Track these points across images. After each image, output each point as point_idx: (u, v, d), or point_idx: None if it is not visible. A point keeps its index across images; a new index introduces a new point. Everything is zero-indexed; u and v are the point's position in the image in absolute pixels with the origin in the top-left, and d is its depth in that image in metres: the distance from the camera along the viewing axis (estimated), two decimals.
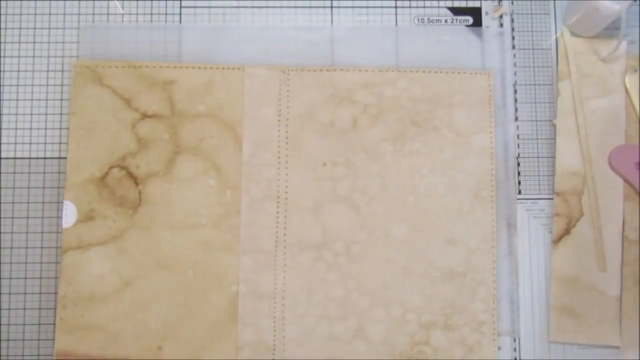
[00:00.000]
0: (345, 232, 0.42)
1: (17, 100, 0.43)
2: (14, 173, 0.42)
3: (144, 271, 0.41)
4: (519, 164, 0.44)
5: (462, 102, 0.43)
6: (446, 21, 0.45)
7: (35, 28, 0.44)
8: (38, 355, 0.41)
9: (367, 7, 0.45)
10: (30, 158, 0.43)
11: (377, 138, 0.43)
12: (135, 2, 0.45)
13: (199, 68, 0.43)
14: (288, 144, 0.43)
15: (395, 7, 0.46)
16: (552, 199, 0.44)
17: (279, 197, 0.42)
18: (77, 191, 0.41)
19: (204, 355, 0.41)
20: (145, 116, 0.42)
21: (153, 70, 0.43)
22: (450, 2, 0.46)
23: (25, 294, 0.42)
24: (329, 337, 0.41)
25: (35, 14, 0.44)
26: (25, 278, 0.42)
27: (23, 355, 0.41)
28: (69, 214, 0.41)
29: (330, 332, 0.41)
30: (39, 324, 0.42)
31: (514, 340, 0.43)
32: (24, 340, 0.41)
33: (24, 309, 0.42)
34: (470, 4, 0.46)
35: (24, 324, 0.42)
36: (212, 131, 0.42)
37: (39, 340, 0.41)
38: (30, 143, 0.43)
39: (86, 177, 0.42)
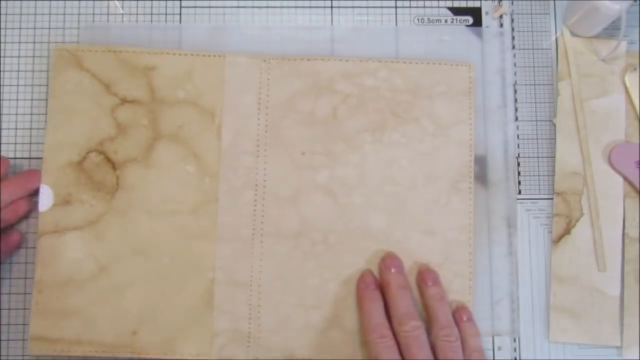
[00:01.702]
0: (323, 222, 0.42)
1: (17, 100, 0.43)
2: (14, 173, 0.42)
3: (120, 257, 0.41)
4: (519, 164, 0.45)
5: (443, 94, 0.43)
6: (446, 21, 0.45)
7: (35, 28, 0.44)
8: (38, 355, 0.41)
9: (367, 7, 0.45)
10: (30, 158, 0.43)
11: (356, 128, 0.43)
12: (135, 2, 0.45)
13: (180, 55, 0.43)
14: (267, 132, 0.43)
15: (395, 7, 0.46)
16: (552, 199, 0.44)
17: (257, 185, 0.42)
18: (54, 175, 0.41)
19: (179, 341, 0.40)
20: (124, 101, 0.42)
21: (133, 55, 0.42)
22: (450, 2, 0.46)
23: (25, 294, 0.42)
24: (304, 325, 0.41)
25: (35, 14, 0.44)
26: (25, 278, 0.42)
27: (23, 355, 0.41)
28: (46, 198, 0.41)
29: (306, 321, 0.41)
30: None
31: (514, 340, 0.43)
32: (24, 340, 0.41)
33: (24, 309, 0.42)
34: (470, 4, 0.46)
35: (24, 324, 0.41)
36: (191, 118, 0.42)
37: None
38: (30, 143, 0.43)
39: (64, 162, 0.41)
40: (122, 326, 0.40)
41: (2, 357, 0.41)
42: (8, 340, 0.41)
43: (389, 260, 0.41)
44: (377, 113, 0.43)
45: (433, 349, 0.38)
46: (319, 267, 0.42)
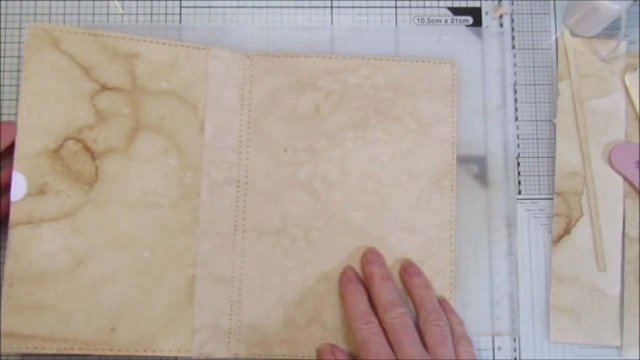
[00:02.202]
0: (304, 218, 0.42)
1: (18, 100, 0.43)
2: None
3: (98, 250, 0.39)
4: (519, 164, 0.45)
5: (426, 91, 0.43)
6: (446, 21, 0.45)
7: None
8: (37, 355, 0.41)
9: (367, 7, 0.45)
10: None
11: (339, 125, 0.43)
12: (135, 2, 0.45)
13: (164, 44, 0.42)
14: (250, 128, 0.42)
15: (395, 7, 0.46)
16: (552, 199, 0.44)
17: (239, 181, 0.42)
18: (28, 162, 0.39)
19: (159, 338, 0.40)
20: (105, 88, 0.40)
21: (115, 40, 0.41)
22: (450, 2, 0.46)
23: None
24: (284, 322, 0.41)
25: (35, 14, 0.44)
26: None
27: (22, 355, 0.41)
28: (19, 187, 0.38)
29: (286, 317, 0.41)
30: None
31: (514, 340, 0.43)
32: None
33: None
34: (470, 4, 0.46)
35: None
36: (174, 110, 0.41)
37: None
38: None
39: (38, 148, 0.39)
40: (100, 322, 0.39)
41: (2, 357, 0.41)
42: None
43: (370, 254, 0.41)
44: (359, 110, 0.43)
45: (421, 334, 0.38)
46: (299, 264, 0.42)
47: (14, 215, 0.38)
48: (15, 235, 0.38)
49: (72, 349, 0.38)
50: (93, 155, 0.40)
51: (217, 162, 0.42)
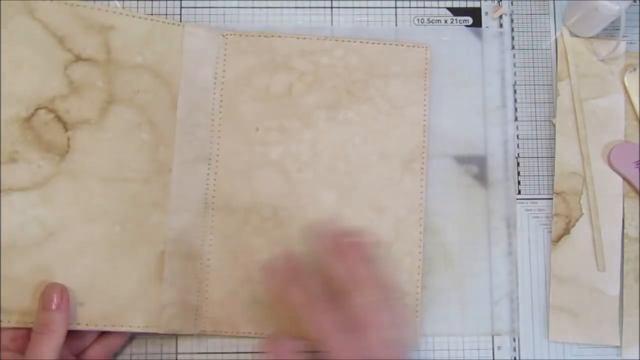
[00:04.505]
0: (275, 198, 0.42)
1: None
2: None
3: (69, 222, 0.38)
4: (518, 164, 0.45)
5: (398, 74, 0.43)
6: (446, 21, 0.45)
7: None
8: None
9: (367, 7, 0.45)
10: None
11: (311, 105, 0.43)
12: (136, 2, 0.45)
13: (139, 17, 0.41)
14: (222, 107, 0.42)
15: (395, 7, 0.46)
16: (551, 199, 0.44)
17: (210, 159, 0.42)
18: None
19: (127, 313, 0.39)
20: (79, 59, 0.40)
21: (90, 11, 0.40)
22: (450, 2, 0.46)
23: None
24: (251, 300, 0.41)
25: None
26: None
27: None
28: None
29: (253, 296, 0.41)
30: None
31: (514, 339, 0.43)
32: None
33: None
34: (470, 4, 0.46)
35: None
36: (148, 85, 0.41)
37: None
38: None
39: (9, 116, 0.38)
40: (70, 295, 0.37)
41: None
42: None
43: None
44: (332, 91, 0.43)
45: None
46: (268, 243, 0.41)
47: None
48: None
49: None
50: (65, 126, 0.39)
51: (190, 139, 0.42)
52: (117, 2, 0.44)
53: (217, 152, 0.42)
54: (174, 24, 0.42)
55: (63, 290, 0.37)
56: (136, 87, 0.41)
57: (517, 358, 0.43)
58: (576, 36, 0.45)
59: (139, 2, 0.45)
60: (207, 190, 0.42)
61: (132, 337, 0.41)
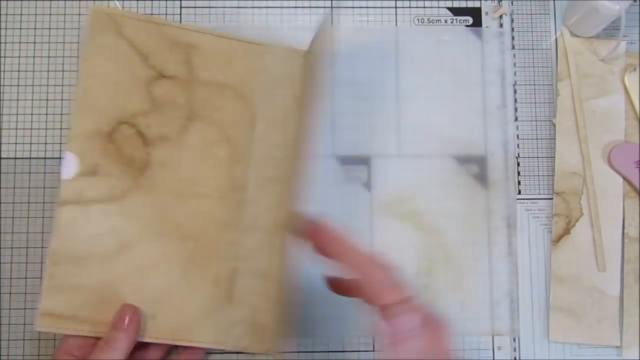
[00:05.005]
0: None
1: (17, 100, 0.43)
2: (14, 173, 0.43)
3: (144, 236, 0.39)
4: (518, 164, 0.45)
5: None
6: (446, 21, 0.45)
7: (35, 28, 0.44)
8: (38, 355, 0.41)
9: (367, 7, 0.45)
10: (30, 158, 0.43)
11: None
12: (136, 2, 0.45)
13: (222, 37, 0.42)
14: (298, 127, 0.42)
15: (395, 7, 0.46)
16: (551, 199, 0.44)
17: (283, 179, 0.41)
18: (81, 143, 0.39)
19: (196, 328, 0.39)
20: (162, 76, 0.41)
21: (175, 30, 0.41)
22: (450, 2, 0.46)
23: (25, 293, 0.42)
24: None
25: (36, 14, 0.44)
26: (26, 278, 0.42)
27: (24, 355, 0.41)
28: (70, 166, 0.39)
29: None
30: None
31: (514, 340, 0.43)
32: (24, 340, 0.42)
33: (24, 309, 0.42)
34: (470, 4, 0.46)
35: (24, 324, 0.42)
36: (228, 102, 0.41)
37: (39, 340, 0.41)
38: (31, 143, 0.43)
39: (92, 129, 0.39)
40: (140, 308, 0.38)
41: (3, 357, 0.41)
42: (9, 340, 0.41)
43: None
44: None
45: None
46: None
47: (63, 194, 0.38)
48: (63, 214, 0.38)
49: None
50: (145, 142, 0.40)
51: (266, 158, 0.41)
52: (117, 2, 0.44)
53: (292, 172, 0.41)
54: (254, 43, 0.42)
55: (134, 312, 0.37)
56: (216, 105, 0.41)
57: (517, 358, 0.43)
58: (576, 36, 0.45)
59: (139, 1, 0.45)
60: (280, 210, 0.41)
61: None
